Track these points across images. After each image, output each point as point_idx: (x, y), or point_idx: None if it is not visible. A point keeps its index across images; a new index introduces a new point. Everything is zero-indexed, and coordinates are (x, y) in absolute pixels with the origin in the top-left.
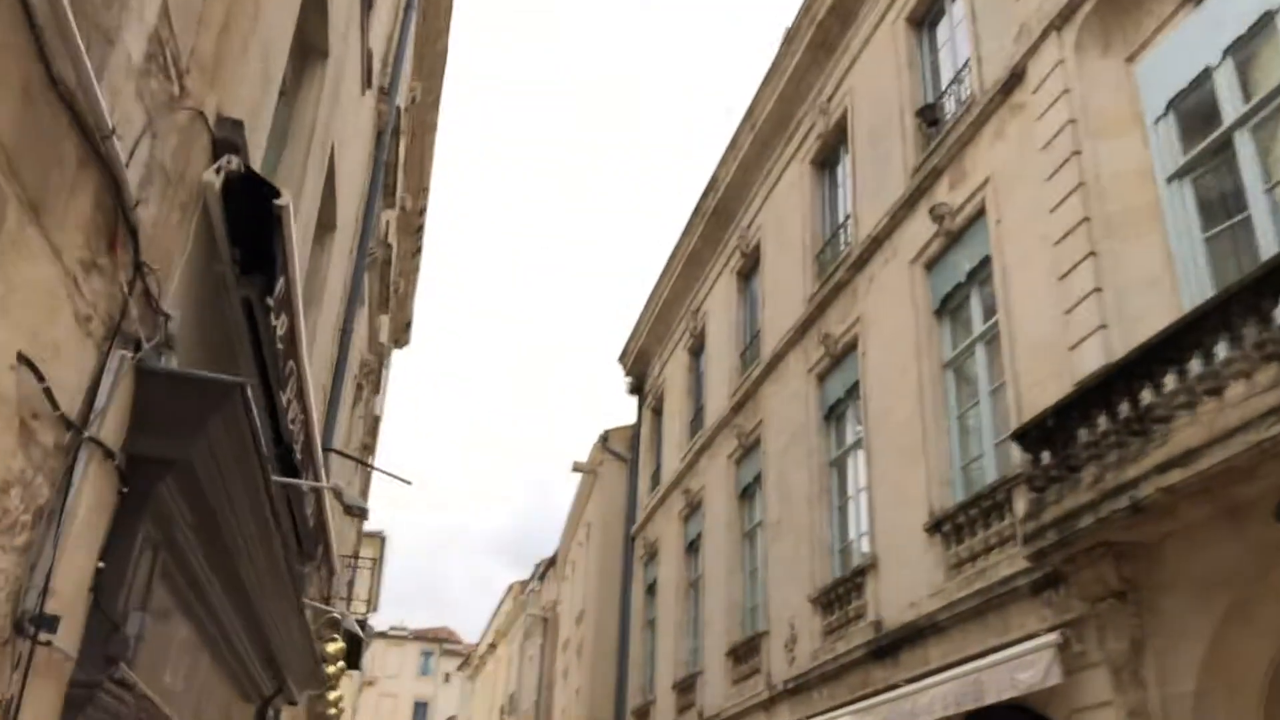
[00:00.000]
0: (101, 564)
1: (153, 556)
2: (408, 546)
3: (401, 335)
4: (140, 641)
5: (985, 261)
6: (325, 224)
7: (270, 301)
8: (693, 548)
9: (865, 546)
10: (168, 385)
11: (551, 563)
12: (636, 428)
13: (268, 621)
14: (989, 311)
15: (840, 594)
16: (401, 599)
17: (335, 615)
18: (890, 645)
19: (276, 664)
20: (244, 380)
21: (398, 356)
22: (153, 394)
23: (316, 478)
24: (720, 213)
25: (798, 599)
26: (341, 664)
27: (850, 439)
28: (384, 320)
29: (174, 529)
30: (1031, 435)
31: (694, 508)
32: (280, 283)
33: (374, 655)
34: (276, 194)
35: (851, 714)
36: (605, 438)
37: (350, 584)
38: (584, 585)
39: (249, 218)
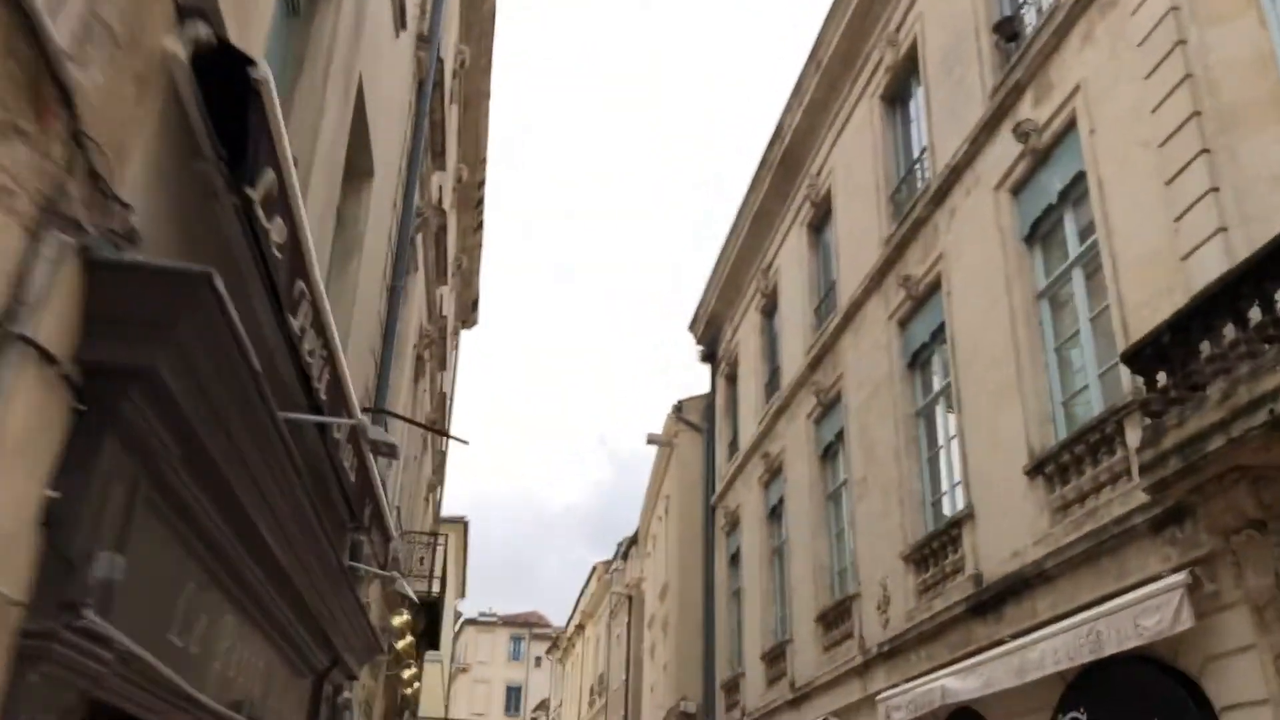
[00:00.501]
0: (54, 493)
1: (128, 490)
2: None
3: (468, 315)
4: (117, 588)
5: (1078, 178)
6: (358, 168)
7: (252, 194)
8: (775, 514)
9: (959, 497)
10: (122, 279)
11: (633, 541)
12: (710, 396)
13: (302, 584)
14: (1085, 232)
15: (935, 549)
16: (491, 586)
17: (387, 576)
18: (992, 600)
19: (325, 635)
20: (209, 269)
21: (466, 338)
22: (107, 291)
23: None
24: (788, 163)
25: (889, 558)
26: (410, 638)
27: (937, 385)
28: (445, 293)
29: (159, 461)
30: (1145, 355)
31: (774, 473)
32: (269, 175)
33: (466, 643)
34: (251, 63)
35: (953, 674)
36: (679, 408)
37: (423, 560)
38: (666, 559)
39: (233, 104)
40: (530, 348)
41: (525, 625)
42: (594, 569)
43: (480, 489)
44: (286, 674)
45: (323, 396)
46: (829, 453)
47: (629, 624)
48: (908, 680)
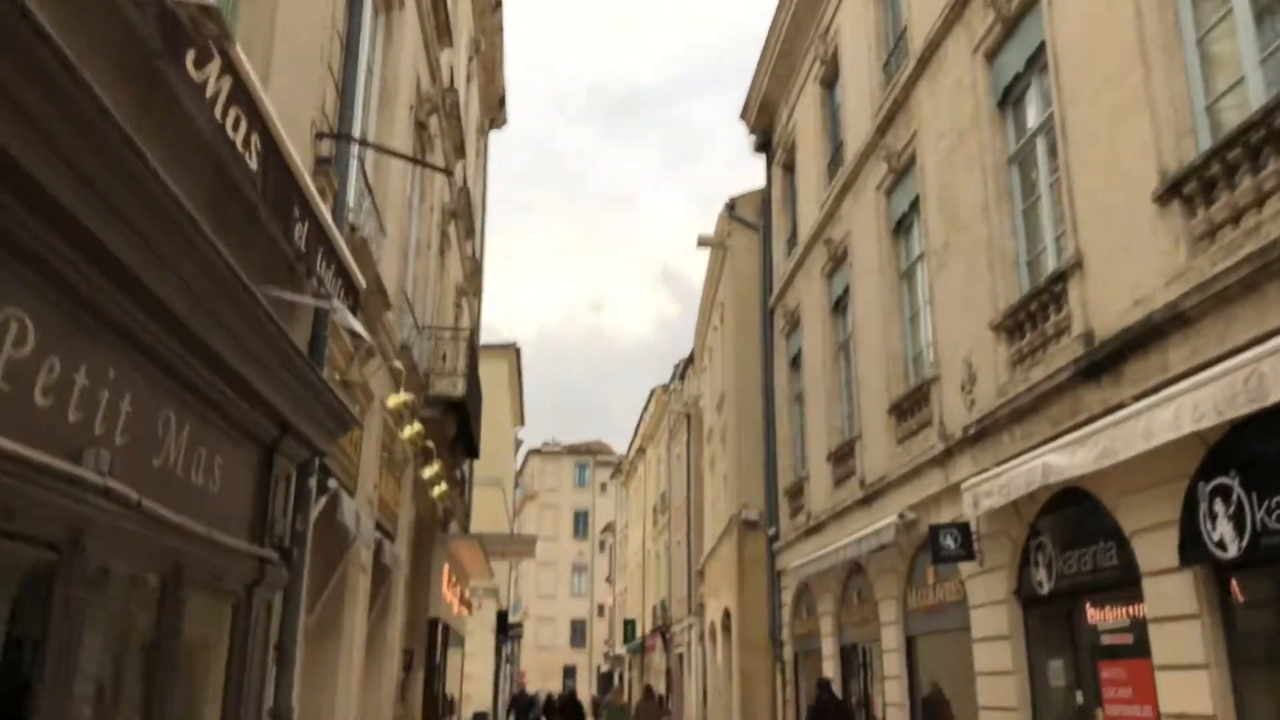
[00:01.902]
0: None
1: None
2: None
3: (496, 113)
4: None
5: None
6: None
7: None
8: (839, 306)
9: (1066, 245)
10: None
11: (689, 361)
12: (766, 190)
13: (213, 329)
14: None
15: (1032, 312)
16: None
17: (322, 306)
18: (1108, 358)
19: (260, 396)
20: None
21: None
22: None
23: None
24: None
25: (975, 331)
26: (418, 427)
27: (1035, 120)
28: (450, 57)
29: None
30: None
31: (838, 260)
32: None
33: (532, 471)
34: None
35: (1058, 450)
36: (732, 205)
37: (444, 356)
38: (723, 370)
39: None
40: (582, 191)
41: (589, 453)
42: (652, 393)
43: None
44: (216, 439)
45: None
46: (902, 226)
47: (688, 442)
48: (999, 464)
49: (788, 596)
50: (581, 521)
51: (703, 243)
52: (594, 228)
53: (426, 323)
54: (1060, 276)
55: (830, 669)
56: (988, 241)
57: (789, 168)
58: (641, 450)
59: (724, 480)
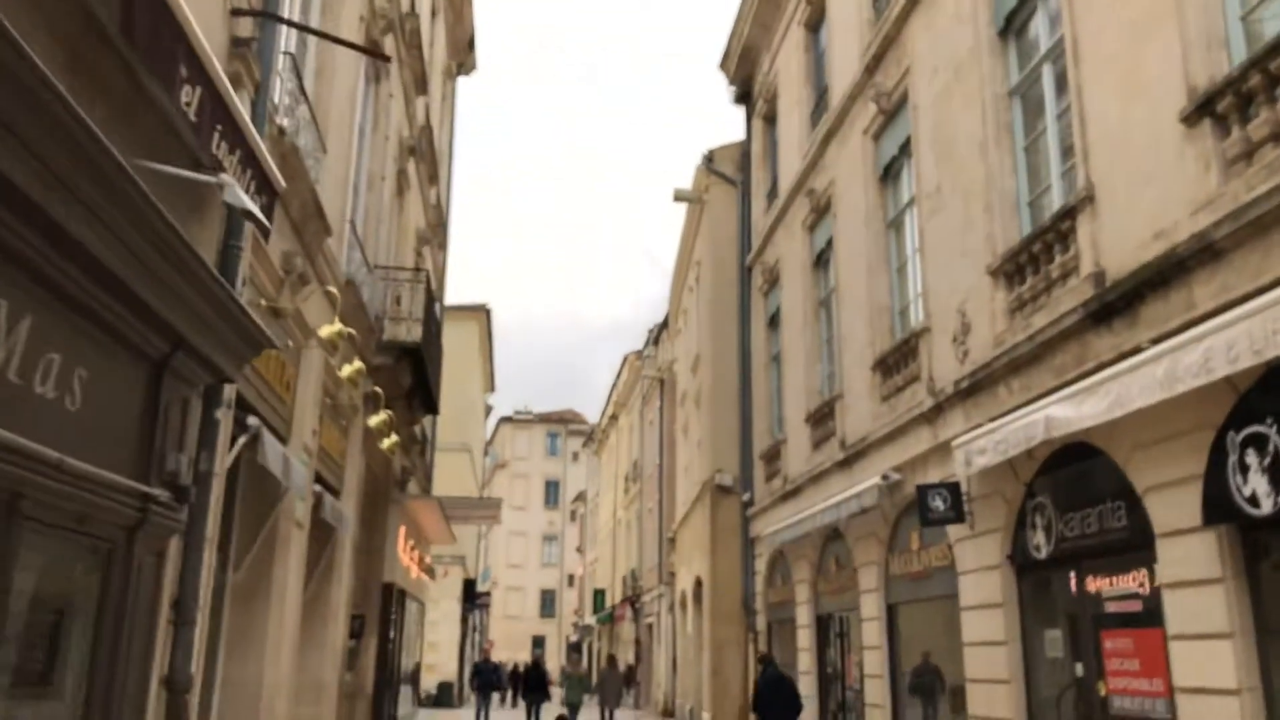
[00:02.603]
0: None
1: None
2: (543, 348)
3: (464, 56)
4: None
5: None
6: None
7: None
8: (821, 260)
9: (1076, 179)
10: None
11: (664, 326)
12: (746, 143)
13: (71, 207)
14: None
15: (1034, 254)
16: (538, 396)
17: (204, 180)
18: (1122, 299)
19: (144, 303)
20: None
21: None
22: None
23: None
24: None
25: (970, 278)
26: (358, 365)
27: (1044, 44)
28: None
29: None
30: None
31: (821, 211)
32: None
33: (503, 439)
34: None
35: (1062, 401)
36: (710, 158)
37: (398, 300)
38: (698, 331)
39: None
40: (565, 164)
41: (561, 422)
42: (625, 359)
43: (527, 305)
44: (75, 343)
45: None
46: (890, 172)
47: (661, 408)
48: (994, 419)
49: (762, 564)
50: (553, 491)
51: (679, 197)
52: (577, 200)
53: (381, 263)
54: (1068, 213)
55: (806, 638)
56: (986, 182)
57: (770, 119)
58: (614, 418)
59: (697, 445)
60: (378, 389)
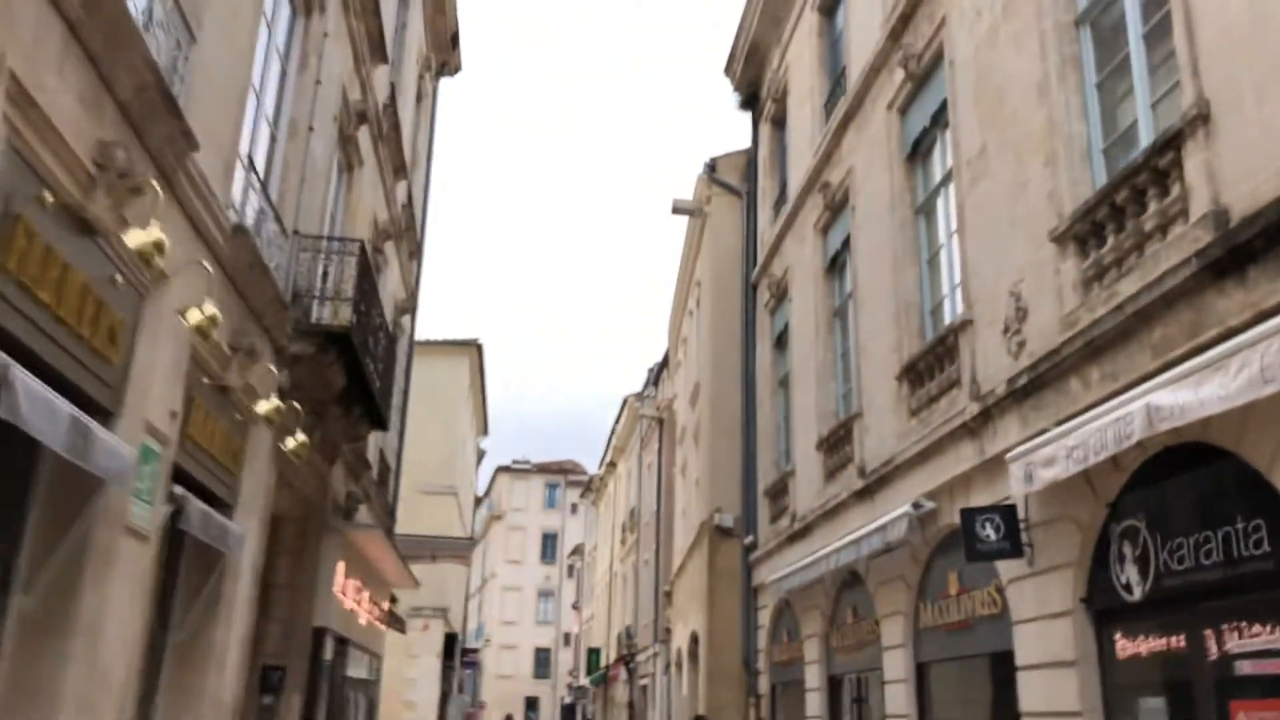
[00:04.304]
0: None
1: None
2: (551, 402)
3: (448, 55)
4: None
5: None
6: None
7: None
8: (836, 264)
9: (1181, 98)
10: None
11: (664, 364)
12: (752, 151)
13: None
14: None
15: (1119, 204)
16: (544, 441)
17: None
18: (1260, 238)
19: None
20: None
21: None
22: None
23: None
24: None
25: (1024, 251)
26: (212, 312)
27: None
28: None
29: None
30: None
31: (836, 209)
32: None
33: (500, 490)
34: None
35: (1173, 384)
36: (712, 166)
37: (324, 275)
38: (698, 358)
39: None
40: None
41: (561, 472)
42: (624, 401)
43: (534, 357)
44: None
45: None
46: (921, 145)
47: (660, 450)
48: (1063, 421)
49: (765, 617)
50: (550, 544)
51: (678, 209)
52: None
53: (310, 232)
54: (1170, 142)
55: (816, 704)
56: (1047, 130)
57: (779, 122)
58: (612, 465)
59: (695, 484)
60: (272, 368)
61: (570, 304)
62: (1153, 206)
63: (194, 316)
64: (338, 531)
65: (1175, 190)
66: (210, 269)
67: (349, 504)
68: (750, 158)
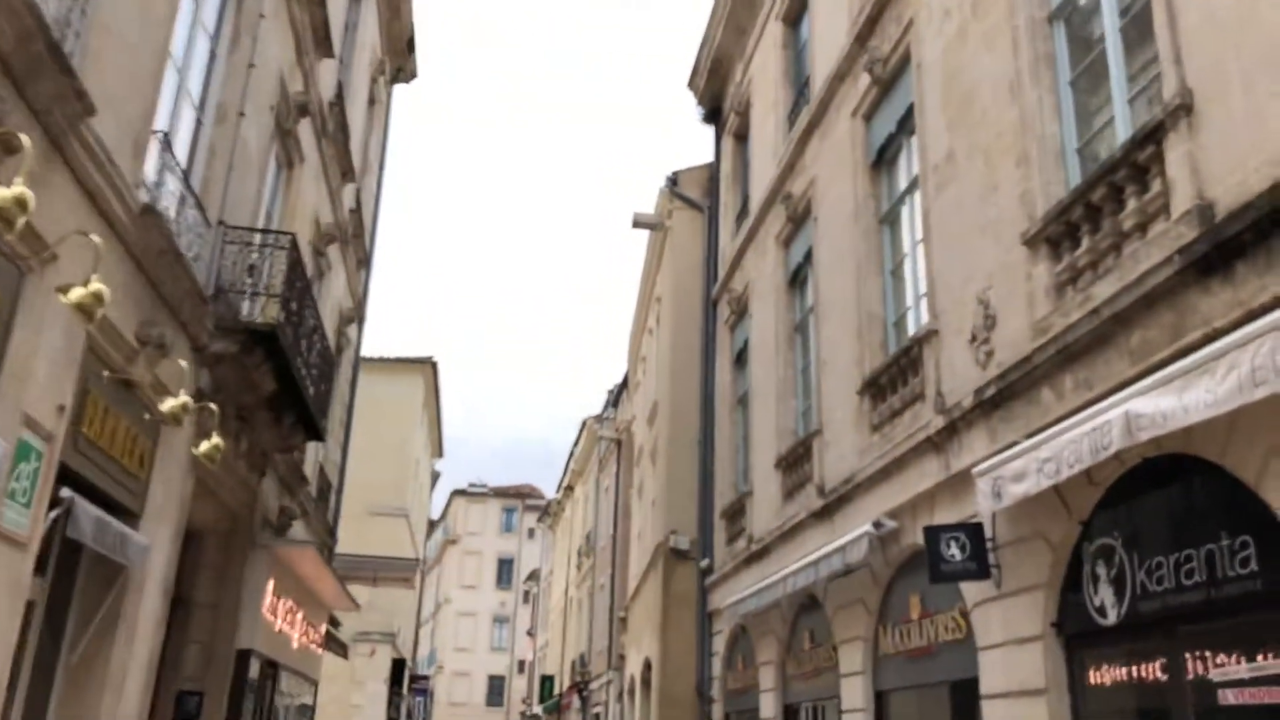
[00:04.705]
0: None
1: None
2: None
3: (403, 60)
4: None
5: None
6: None
7: None
8: (798, 277)
9: (1163, 89)
10: None
11: (623, 386)
12: (715, 165)
13: None
14: None
15: (1095, 203)
16: (497, 462)
17: None
18: (1247, 235)
19: None
20: None
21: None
22: None
23: None
24: None
25: (993, 256)
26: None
27: None
28: None
29: None
30: None
31: (799, 220)
32: None
33: (456, 514)
34: None
35: (1154, 390)
36: (674, 180)
37: (251, 269)
38: (656, 377)
39: None
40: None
41: (518, 496)
42: (583, 424)
43: (493, 379)
44: None
45: None
46: (886, 153)
47: (617, 472)
48: (1034, 433)
49: (720, 643)
50: (506, 570)
51: (639, 223)
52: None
53: (236, 224)
54: (1150, 135)
55: None
56: (1019, 129)
57: (741, 136)
58: (570, 489)
59: (652, 506)
60: (184, 364)
61: (531, 323)
62: (1131, 204)
63: (76, 294)
64: (267, 547)
65: (1156, 186)
66: (99, 242)
67: (282, 519)
68: (713, 172)
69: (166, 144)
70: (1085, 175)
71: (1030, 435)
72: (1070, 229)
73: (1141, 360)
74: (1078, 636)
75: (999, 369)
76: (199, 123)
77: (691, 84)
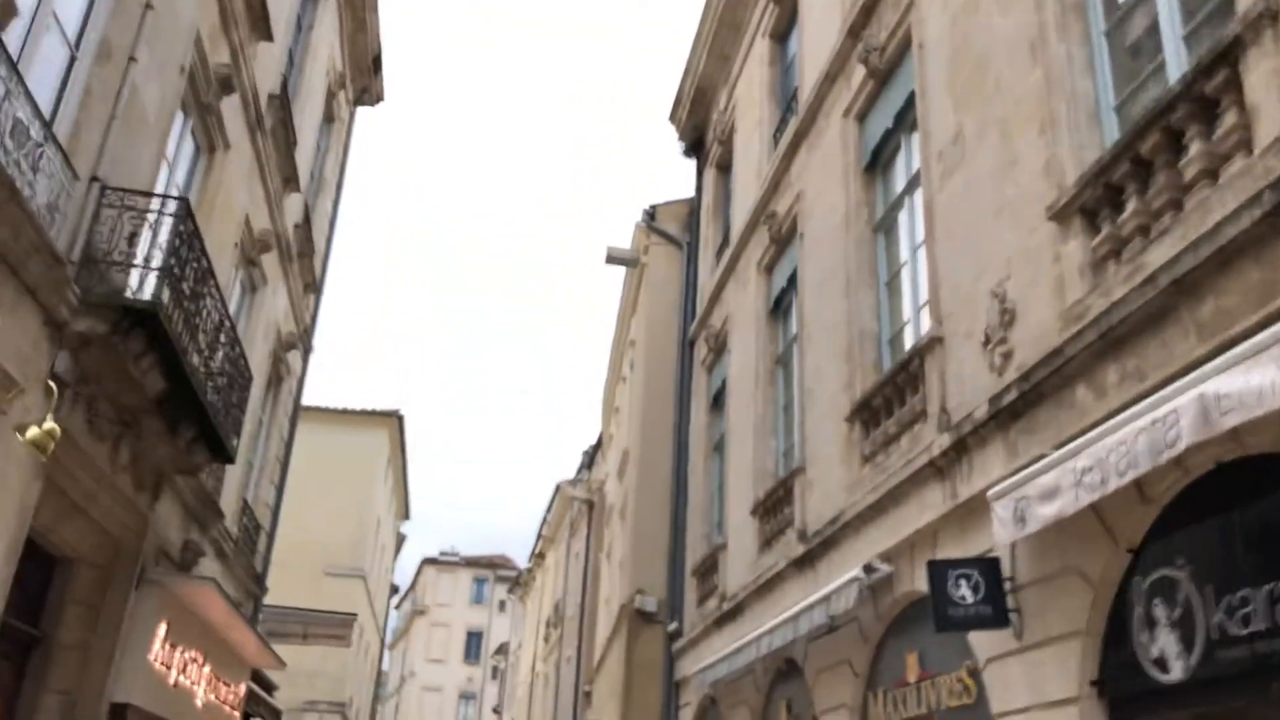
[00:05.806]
0: None
1: None
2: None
3: (369, 80)
4: None
5: None
6: None
7: None
8: (781, 305)
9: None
10: None
11: (598, 446)
12: (695, 200)
13: None
14: None
15: (1144, 156)
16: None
17: None
18: None
19: None
20: None
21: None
22: None
23: None
24: None
25: (1012, 240)
26: None
27: None
28: None
29: None
30: None
31: (783, 242)
32: None
33: (425, 583)
34: None
35: (1240, 365)
36: (651, 214)
37: (131, 236)
38: (629, 425)
39: None
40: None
41: (490, 566)
42: (557, 488)
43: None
44: None
45: None
46: (882, 154)
47: (588, 536)
48: (1063, 444)
49: (688, 716)
50: (475, 643)
51: (613, 259)
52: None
53: (114, 185)
54: (1222, 57)
55: None
56: (1045, 92)
57: (724, 166)
58: (541, 556)
59: (619, 566)
60: (19, 334)
61: (509, 378)
62: (1196, 147)
63: None
64: (158, 583)
65: (1230, 118)
66: None
67: (186, 555)
68: (693, 206)
69: (13, 64)
70: (1125, 132)
71: (1059, 446)
72: (1111, 193)
73: (1215, 335)
74: (1128, 699)
75: (1019, 371)
76: (73, 58)
77: (673, 116)
